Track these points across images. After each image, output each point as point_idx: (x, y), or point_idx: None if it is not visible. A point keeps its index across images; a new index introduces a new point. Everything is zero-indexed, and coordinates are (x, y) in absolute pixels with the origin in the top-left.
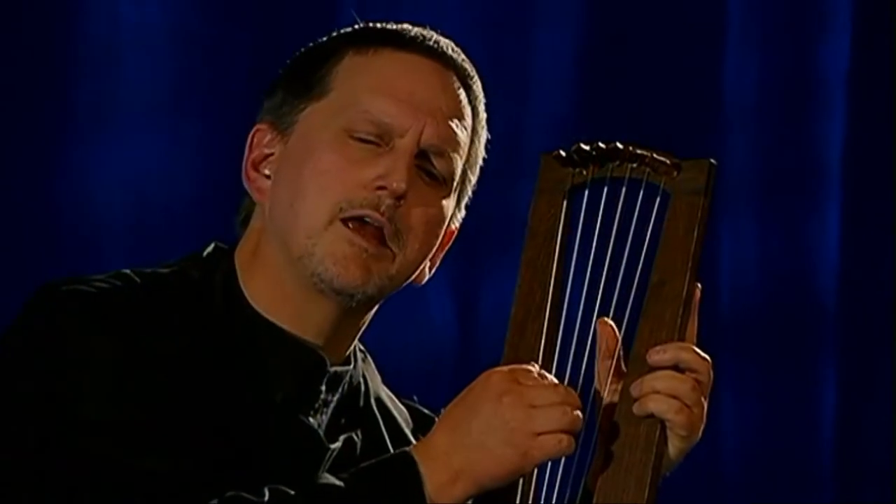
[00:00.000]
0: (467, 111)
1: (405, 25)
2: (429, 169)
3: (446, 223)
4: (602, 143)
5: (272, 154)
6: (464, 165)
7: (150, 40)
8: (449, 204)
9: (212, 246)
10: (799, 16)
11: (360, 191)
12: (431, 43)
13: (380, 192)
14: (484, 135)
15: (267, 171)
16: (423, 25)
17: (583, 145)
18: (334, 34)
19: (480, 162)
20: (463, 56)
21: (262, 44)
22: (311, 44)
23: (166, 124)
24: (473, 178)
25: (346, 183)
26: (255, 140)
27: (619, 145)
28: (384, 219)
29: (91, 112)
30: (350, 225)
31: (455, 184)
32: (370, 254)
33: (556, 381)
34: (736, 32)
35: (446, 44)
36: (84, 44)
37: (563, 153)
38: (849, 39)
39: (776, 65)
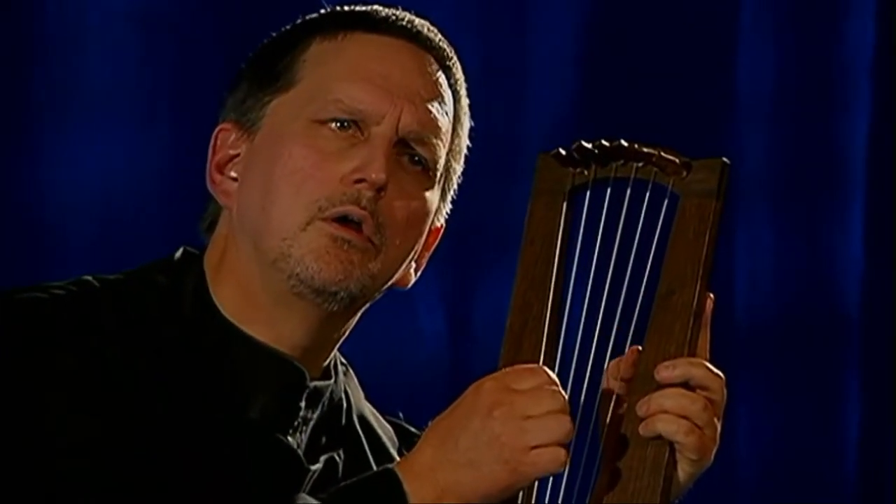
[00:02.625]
0: (447, 95)
1: (376, 7)
2: (409, 158)
3: (431, 216)
4: (605, 140)
5: (238, 155)
6: (447, 154)
7: (116, 28)
8: (433, 196)
9: (180, 251)
10: (819, 2)
11: (338, 186)
12: (405, 23)
13: (359, 186)
14: (467, 122)
15: (233, 174)
16: (397, 7)
17: (584, 143)
18: (299, 21)
19: (465, 151)
20: (440, 36)
21: (239, 32)
22: (274, 33)
23: (134, 120)
24: (458, 169)
25: (323, 180)
26: (219, 141)
27: (624, 143)
28: (366, 213)
29: (51, 107)
30: (331, 222)
31: (438, 174)
32: (352, 245)
33: (557, 380)
34: (749, 20)
35: (421, 24)
36: (44, 32)
37: (562, 152)
38: (873, 26)
39: (794, 55)
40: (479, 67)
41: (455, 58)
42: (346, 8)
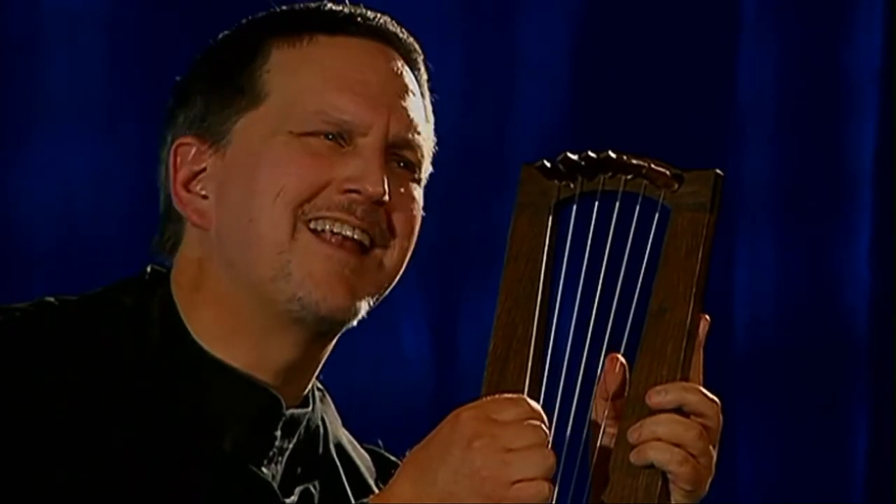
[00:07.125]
0: (419, 92)
1: (329, 4)
2: (399, 163)
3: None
4: (592, 151)
5: (202, 170)
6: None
7: (79, 32)
8: (420, 195)
9: (148, 270)
10: (823, 6)
11: (325, 190)
12: (369, 20)
13: (352, 196)
14: (430, 113)
15: (203, 192)
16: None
17: (570, 154)
18: (251, 24)
19: (433, 142)
20: (402, 29)
21: (207, 35)
22: (221, 37)
23: (98, 129)
24: (429, 159)
25: (307, 179)
26: (179, 157)
27: (612, 154)
28: (365, 224)
29: (11, 116)
30: (324, 237)
31: (421, 172)
32: (352, 269)
33: (541, 411)
34: (751, 25)
35: (384, 19)
36: (1, 37)
37: (547, 163)
38: (880, 33)
39: (797, 62)
40: (464, 74)
41: (418, 49)
42: (300, 7)
